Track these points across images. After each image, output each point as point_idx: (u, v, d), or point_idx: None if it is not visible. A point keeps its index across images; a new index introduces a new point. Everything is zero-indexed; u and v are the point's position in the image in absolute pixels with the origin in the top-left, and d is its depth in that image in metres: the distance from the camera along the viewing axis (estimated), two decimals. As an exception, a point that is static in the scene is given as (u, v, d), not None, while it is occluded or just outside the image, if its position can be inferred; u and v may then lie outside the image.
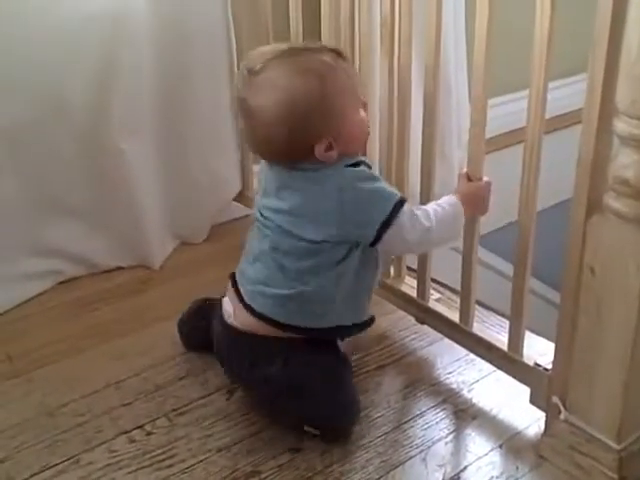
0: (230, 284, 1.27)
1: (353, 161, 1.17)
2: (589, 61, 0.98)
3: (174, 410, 1.29)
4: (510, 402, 1.29)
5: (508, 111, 2.03)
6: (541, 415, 1.21)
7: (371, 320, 1.27)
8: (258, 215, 1.24)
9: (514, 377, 1.27)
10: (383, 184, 1.18)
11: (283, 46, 1.17)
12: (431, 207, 1.21)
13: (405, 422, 1.26)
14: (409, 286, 1.47)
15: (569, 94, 1.97)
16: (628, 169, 0.95)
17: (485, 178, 1.25)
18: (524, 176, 1.15)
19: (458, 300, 1.36)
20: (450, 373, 1.37)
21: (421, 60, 1.30)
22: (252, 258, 1.24)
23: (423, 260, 1.41)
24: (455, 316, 1.36)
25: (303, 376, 1.20)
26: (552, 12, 1.03)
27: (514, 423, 1.26)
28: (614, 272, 1.01)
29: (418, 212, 1.18)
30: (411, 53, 1.31)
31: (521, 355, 1.25)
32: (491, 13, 1.13)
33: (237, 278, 1.27)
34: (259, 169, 1.28)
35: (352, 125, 1.16)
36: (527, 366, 1.23)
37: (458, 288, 1.36)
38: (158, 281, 1.66)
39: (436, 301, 1.45)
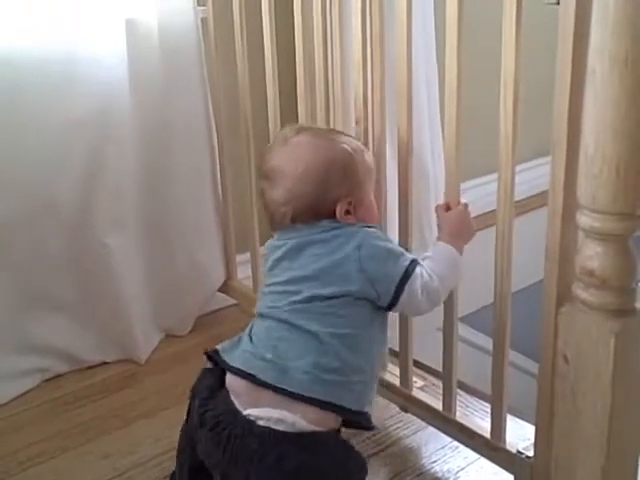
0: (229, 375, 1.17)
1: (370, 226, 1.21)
2: (551, 160, 1.02)
3: (156, 513, 1.28)
4: (495, 490, 1.29)
5: (485, 193, 2.07)
6: (526, 503, 1.21)
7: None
8: (267, 301, 1.19)
9: (498, 465, 1.27)
10: (397, 246, 1.21)
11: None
12: (429, 267, 1.17)
13: (391, 515, 1.26)
14: (392, 374, 1.47)
15: (543, 174, 2.01)
16: (593, 260, 0.98)
17: (462, 201, 1.26)
18: (497, 259, 1.19)
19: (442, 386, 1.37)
20: (435, 462, 1.36)
21: (396, 153, 1.34)
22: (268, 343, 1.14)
23: (405, 345, 1.41)
24: (438, 404, 1.36)
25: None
26: (515, 95, 1.09)
27: (499, 512, 1.26)
28: (586, 360, 1.03)
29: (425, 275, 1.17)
30: (386, 148, 1.36)
31: (504, 442, 1.26)
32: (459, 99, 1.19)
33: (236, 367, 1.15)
34: (266, 256, 1.24)
35: (369, 202, 1.23)
36: (510, 454, 1.24)
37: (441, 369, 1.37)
38: (143, 375, 1.66)
39: (419, 389, 1.45)
